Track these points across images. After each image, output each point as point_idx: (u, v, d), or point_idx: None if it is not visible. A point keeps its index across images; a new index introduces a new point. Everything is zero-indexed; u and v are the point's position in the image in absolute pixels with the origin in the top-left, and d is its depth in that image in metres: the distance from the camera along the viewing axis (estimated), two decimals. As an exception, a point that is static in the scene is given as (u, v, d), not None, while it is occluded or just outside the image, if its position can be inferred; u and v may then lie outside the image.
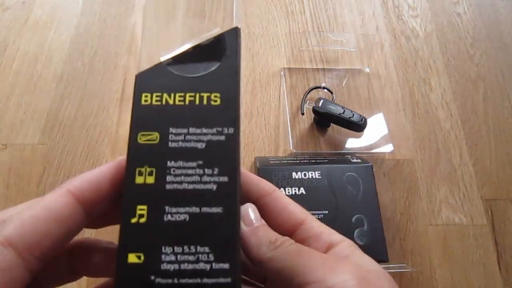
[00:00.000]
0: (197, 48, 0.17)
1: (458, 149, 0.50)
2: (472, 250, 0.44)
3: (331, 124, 0.49)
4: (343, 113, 0.46)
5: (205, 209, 0.15)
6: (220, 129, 0.16)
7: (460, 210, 0.46)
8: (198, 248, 0.14)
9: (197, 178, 0.15)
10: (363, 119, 0.47)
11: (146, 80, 0.16)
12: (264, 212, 0.18)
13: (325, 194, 0.39)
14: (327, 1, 0.60)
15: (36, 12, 0.55)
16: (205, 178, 0.15)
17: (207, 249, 0.14)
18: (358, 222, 0.39)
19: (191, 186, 0.15)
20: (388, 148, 0.47)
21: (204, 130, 0.16)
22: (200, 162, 0.15)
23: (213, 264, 0.14)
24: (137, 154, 0.15)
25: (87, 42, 0.53)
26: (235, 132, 0.16)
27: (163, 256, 0.14)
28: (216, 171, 0.15)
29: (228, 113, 0.16)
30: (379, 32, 0.58)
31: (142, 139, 0.15)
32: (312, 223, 0.18)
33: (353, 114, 0.46)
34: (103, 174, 0.16)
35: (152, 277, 0.14)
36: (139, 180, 0.15)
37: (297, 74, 0.54)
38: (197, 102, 0.16)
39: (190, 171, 0.15)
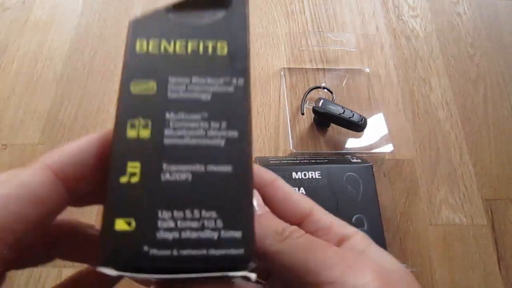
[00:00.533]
0: None
1: (458, 149, 0.50)
2: (472, 250, 0.44)
3: (331, 124, 0.49)
4: (343, 113, 0.46)
5: (211, 168, 0.13)
6: (228, 80, 0.14)
7: (460, 210, 0.46)
8: (203, 212, 0.12)
9: (201, 132, 0.13)
10: (363, 119, 0.47)
11: (142, 26, 0.14)
12: (266, 203, 0.17)
13: (325, 194, 0.39)
14: (327, 1, 0.60)
15: (36, 12, 0.55)
16: (211, 133, 0.13)
17: (214, 214, 0.12)
18: (358, 222, 0.39)
19: (194, 141, 0.13)
20: (388, 148, 0.47)
21: (209, 80, 0.14)
22: (205, 115, 0.13)
23: (222, 232, 0.12)
24: (129, 105, 0.13)
25: (87, 42, 0.53)
26: (245, 83, 0.14)
27: (159, 223, 0.12)
28: (224, 125, 0.13)
29: (237, 64, 0.14)
30: (379, 32, 0.58)
31: (136, 88, 0.13)
32: (320, 214, 0.17)
33: (353, 114, 0.46)
34: (88, 146, 0.14)
35: (146, 248, 0.12)
36: (131, 133, 0.13)
37: (297, 74, 0.54)
38: (200, 51, 0.14)
39: (193, 124, 0.13)
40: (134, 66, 0.14)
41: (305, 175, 0.40)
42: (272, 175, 0.17)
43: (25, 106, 0.48)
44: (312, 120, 0.50)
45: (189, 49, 0.14)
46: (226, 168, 0.13)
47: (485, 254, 0.44)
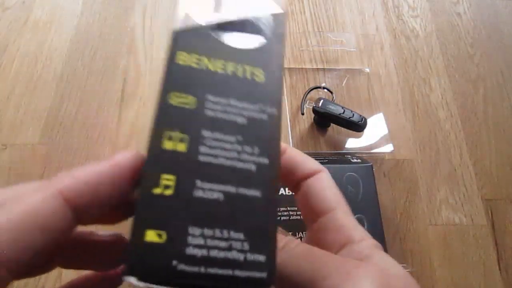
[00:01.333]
0: (244, 21, 0.16)
1: (458, 149, 0.50)
2: (472, 250, 0.44)
3: (331, 124, 0.49)
4: (343, 113, 0.46)
5: (242, 190, 0.13)
6: (263, 107, 0.14)
7: (460, 210, 0.46)
8: (232, 233, 0.12)
9: (235, 154, 0.13)
10: (363, 119, 0.47)
11: (185, 39, 0.14)
12: (303, 194, 0.17)
13: (325, 194, 0.39)
14: (327, 1, 0.60)
15: (36, 12, 0.55)
16: (244, 156, 0.13)
17: (241, 236, 0.12)
18: (358, 222, 0.39)
19: (228, 162, 0.13)
20: (388, 148, 0.47)
21: (246, 105, 0.14)
22: (240, 138, 0.13)
23: (248, 254, 0.12)
24: (168, 115, 0.13)
25: (87, 42, 0.53)
26: (278, 113, 0.14)
27: (189, 238, 0.12)
28: (256, 150, 0.14)
29: (273, 93, 0.15)
30: (379, 32, 0.58)
31: (175, 100, 0.13)
32: (338, 214, 0.17)
33: (353, 114, 0.46)
34: (105, 173, 0.13)
35: (174, 262, 0.11)
36: (167, 145, 0.13)
37: (297, 74, 0.54)
38: (239, 74, 0.15)
39: (227, 146, 0.13)
40: (175, 77, 0.14)
41: (305, 175, 0.40)
42: (319, 166, 0.17)
43: (25, 106, 0.48)
44: (312, 120, 0.50)
45: (229, 70, 0.14)
46: (255, 193, 0.13)
47: (485, 254, 0.44)
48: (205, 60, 0.14)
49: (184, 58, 0.14)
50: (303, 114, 0.49)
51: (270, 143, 0.14)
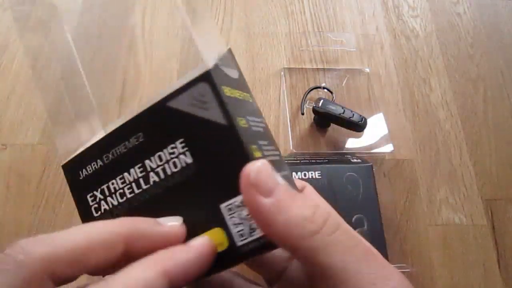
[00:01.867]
0: (226, 56, 0.20)
1: (458, 149, 0.50)
2: (472, 250, 0.44)
3: (331, 124, 0.49)
4: (343, 113, 0.46)
5: (283, 174, 0.18)
6: (261, 118, 0.20)
7: (460, 210, 0.46)
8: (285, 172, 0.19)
9: (272, 152, 0.19)
10: (363, 119, 0.47)
11: (219, 76, 0.18)
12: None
13: (325, 194, 0.39)
14: (327, 1, 0.60)
15: (36, 12, 0.55)
16: (274, 152, 0.19)
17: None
18: (358, 222, 0.39)
19: (274, 158, 0.18)
20: (388, 148, 0.47)
21: (256, 119, 0.19)
22: (267, 142, 0.19)
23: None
24: (245, 135, 0.17)
25: (87, 42, 0.53)
26: (265, 120, 0.20)
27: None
28: (274, 148, 0.19)
29: (258, 108, 0.20)
30: (379, 32, 0.58)
31: (241, 123, 0.17)
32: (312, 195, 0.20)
33: (353, 114, 0.46)
34: (201, 262, 0.16)
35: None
36: (256, 154, 0.17)
37: (297, 74, 0.54)
38: (244, 98, 0.19)
39: (268, 148, 0.19)
40: (232, 106, 0.17)
41: (305, 175, 0.40)
42: (301, 182, 0.21)
43: (25, 106, 0.48)
44: (312, 120, 0.50)
45: (242, 96, 0.19)
46: (288, 172, 0.19)
47: (485, 254, 0.44)
48: (233, 91, 0.18)
49: (226, 91, 0.18)
50: (303, 114, 0.49)
51: (274, 141, 0.20)
